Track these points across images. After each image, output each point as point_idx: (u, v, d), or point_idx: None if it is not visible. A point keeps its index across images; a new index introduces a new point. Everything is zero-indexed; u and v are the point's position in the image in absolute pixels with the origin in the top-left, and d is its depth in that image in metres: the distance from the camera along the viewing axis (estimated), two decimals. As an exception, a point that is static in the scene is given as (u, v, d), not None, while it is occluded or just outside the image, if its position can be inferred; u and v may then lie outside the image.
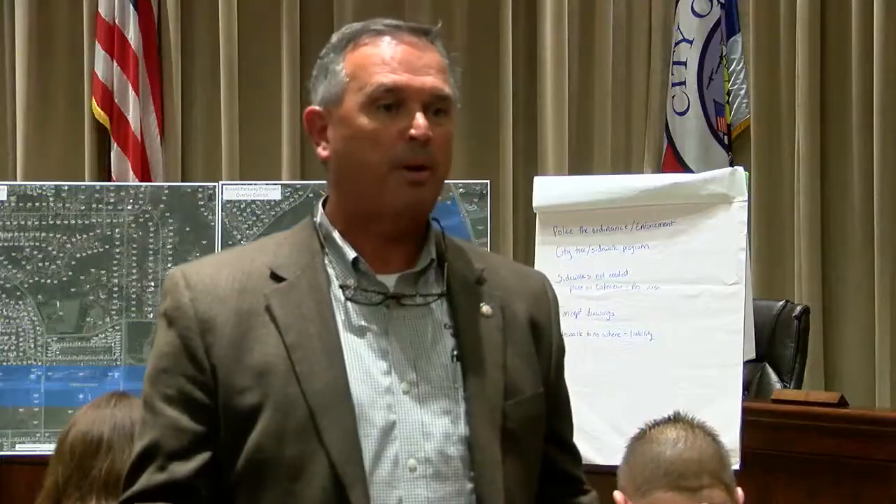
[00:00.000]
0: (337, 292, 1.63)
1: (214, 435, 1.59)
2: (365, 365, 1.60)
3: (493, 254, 1.85)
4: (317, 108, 1.69)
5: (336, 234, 1.66)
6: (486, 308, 1.67)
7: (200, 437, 1.59)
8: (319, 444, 1.55)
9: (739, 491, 1.98)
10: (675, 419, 2.04)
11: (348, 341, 1.61)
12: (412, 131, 1.60)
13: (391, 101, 1.61)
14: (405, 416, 1.59)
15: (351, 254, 1.64)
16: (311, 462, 1.55)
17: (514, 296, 1.71)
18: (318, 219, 1.69)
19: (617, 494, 2.00)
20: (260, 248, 1.71)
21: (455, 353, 1.63)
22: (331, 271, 1.65)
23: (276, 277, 1.64)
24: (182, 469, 1.58)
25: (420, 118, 1.60)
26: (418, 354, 1.62)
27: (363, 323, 1.62)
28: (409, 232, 1.67)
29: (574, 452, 1.80)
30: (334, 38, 1.71)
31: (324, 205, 1.71)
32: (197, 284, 1.64)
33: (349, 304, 1.63)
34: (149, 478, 1.59)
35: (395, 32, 1.66)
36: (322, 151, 1.68)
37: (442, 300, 1.66)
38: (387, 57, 1.63)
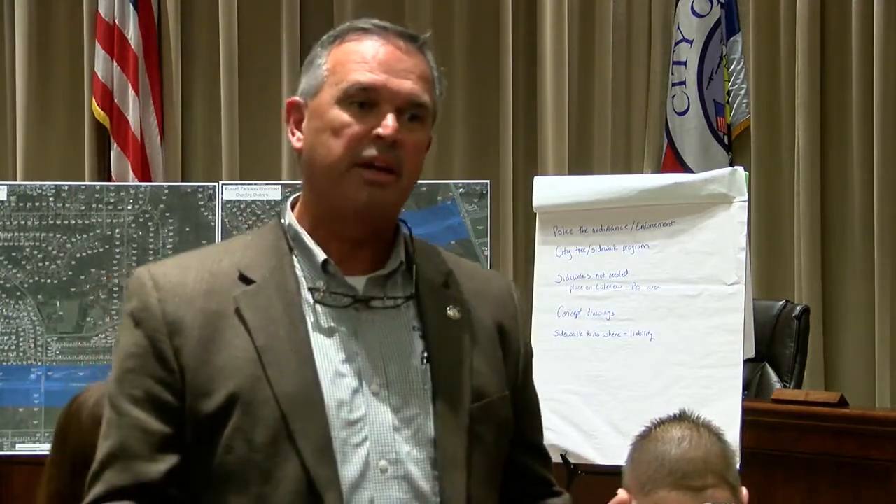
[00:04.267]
0: (306, 295, 1.63)
1: (181, 437, 1.58)
2: (335, 367, 1.60)
3: (460, 258, 1.84)
4: (297, 98, 1.70)
5: (305, 236, 1.66)
6: (452, 311, 1.67)
7: (167, 438, 1.57)
8: (291, 447, 1.54)
9: (744, 490, 1.98)
10: (681, 418, 2.04)
11: (318, 344, 1.61)
12: (379, 130, 1.60)
13: (364, 99, 1.62)
14: (375, 418, 1.59)
15: (320, 256, 1.64)
16: (282, 465, 1.55)
17: (479, 300, 1.72)
18: (285, 220, 1.69)
19: (621, 493, 2.00)
20: (226, 248, 1.71)
21: (425, 354, 1.63)
22: (299, 273, 1.64)
23: (244, 279, 1.63)
24: (148, 470, 1.56)
25: (390, 119, 1.60)
26: (388, 356, 1.62)
27: (332, 325, 1.62)
28: (375, 234, 1.66)
29: (543, 455, 1.81)
30: (326, 34, 1.71)
31: (292, 206, 1.71)
32: (164, 285, 1.62)
33: (318, 306, 1.63)
34: (113, 478, 1.57)
35: (382, 33, 1.66)
36: (296, 143, 1.69)
37: (410, 303, 1.66)
38: (368, 56, 1.63)
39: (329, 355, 1.60)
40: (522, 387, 1.75)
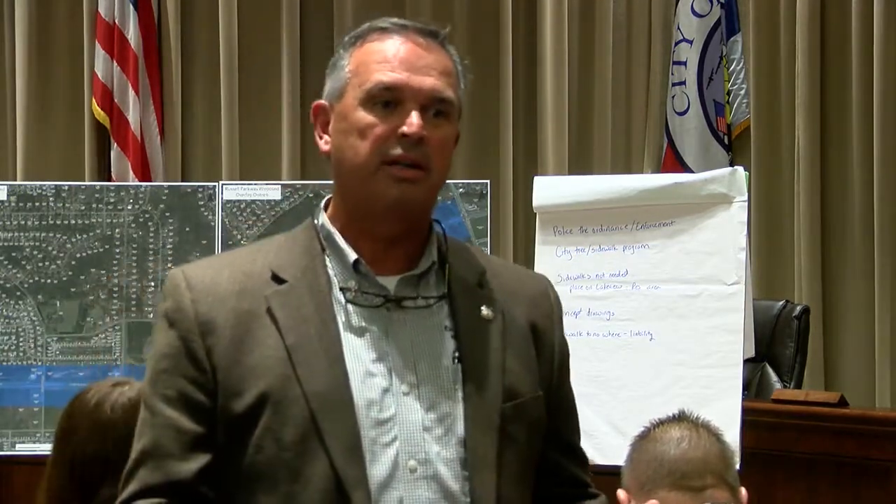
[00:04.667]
0: (338, 294, 1.63)
1: (213, 437, 1.59)
2: (365, 367, 1.60)
3: (495, 257, 1.85)
4: (322, 102, 1.70)
5: (337, 236, 1.66)
6: (485, 311, 1.67)
7: (200, 438, 1.58)
8: (320, 446, 1.55)
9: (743, 491, 1.98)
10: (680, 418, 2.04)
11: (348, 343, 1.61)
12: (404, 128, 1.60)
13: (388, 98, 1.62)
14: (405, 418, 1.59)
15: (352, 255, 1.64)
16: (311, 464, 1.55)
17: (514, 299, 1.71)
18: (318, 220, 1.69)
19: (620, 493, 2.00)
20: (260, 249, 1.71)
21: (456, 354, 1.63)
22: (331, 273, 1.65)
23: (276, 279, 1.64)
24: (180, 469, 1.57)
25: (415, 117, 1.60)
26: (418, 356, 1.62)
27: (364, 325, 1.62)
28: (407, 233, 1.66)
29: (580, 456, 1.79)
30: (347, 35, 1.72)
31: (325, 207, 1.71)
32: (197, 285, 1.63)
33: (350, 306, 1.63)
34: (146, 477, 1.59)
35: (402, 31, 1.66)
36: (324, 146, 1.69)
37: (443, 302, 1.66)
38: (389, 55, 1.64)
39: (359, 355, 1.61)
40: (557, 386, 1.74)
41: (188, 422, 1.58)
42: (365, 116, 1.62)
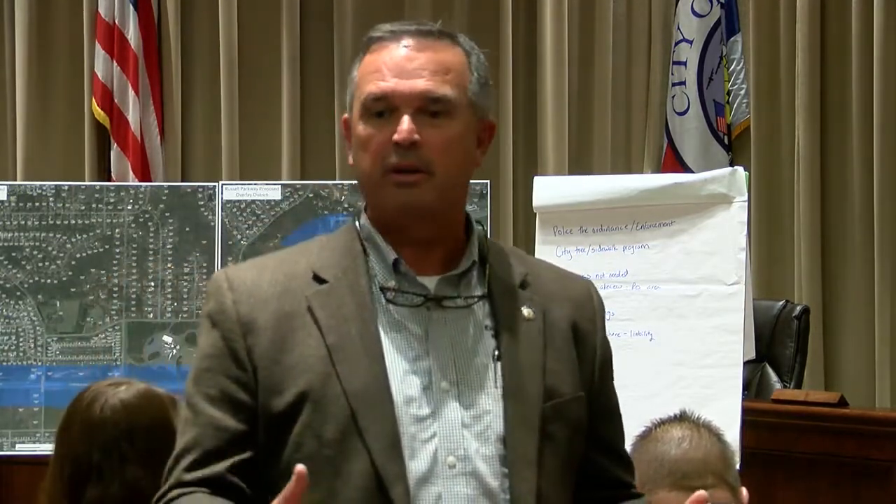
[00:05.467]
0: (378, 294, 1.65)
1: (255, 435, 1.61)
2: (404, 365, 1.62)
3: (539, 259, 1.86)
4: (346, 115, 1.73)
5: (378, 237, 1.68)
6: (526, 311, 1.68)
7: (240, 435, 1.61)
8: (360, 443, 1.57)
9: (744, 491, 1.98)
10: (681, 418, 2.04)
11: (389, 342, 1.63)
12: (395, 136, 1.61)
13: (381, 108, 1.63)
14: (445, 415, 1.60)
15: (392, 255, 1.66)
16: (351, 460, 1.57)
17: (556, 301, 1.72)
18: (360, 222, 1.71)
19: None
20: (303, 250, 1.73)
21: (496, 353, 1.64)
22: (372, 273, 1.67)
23: (318, 279, 1.66)
24: (216, 466, 1.60)
25: (404, 122, 1.61)
26: (458, 355, 1.63)
27: (404, 324, 1.64)
28: (440, 235, 1.68)
29: (622, 458, 1.78)
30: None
31: (366, 209, 1.73)
32: (239, 287, 1.66)
33: (390, 305, 1.65)
34: (183, 474, 1.61)
35: (395, 38, 1.67)
36: (350, 160, 1.72)
37: (483, 302, 1.67)
38: (381, 64, 1.65)
39: (399, 353, 1.62)
40: (599, 388, 1.74)
41: (230, 420, 1.61)
42: (365, 129, 1.64)
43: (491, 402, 1.62)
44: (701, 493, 1.59)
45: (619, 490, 1.76)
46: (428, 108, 1.63)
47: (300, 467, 1.46)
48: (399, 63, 1.64)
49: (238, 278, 1.68)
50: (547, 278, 1.75)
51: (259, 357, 1.62)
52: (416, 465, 1.58)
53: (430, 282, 1.66)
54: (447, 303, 1.65)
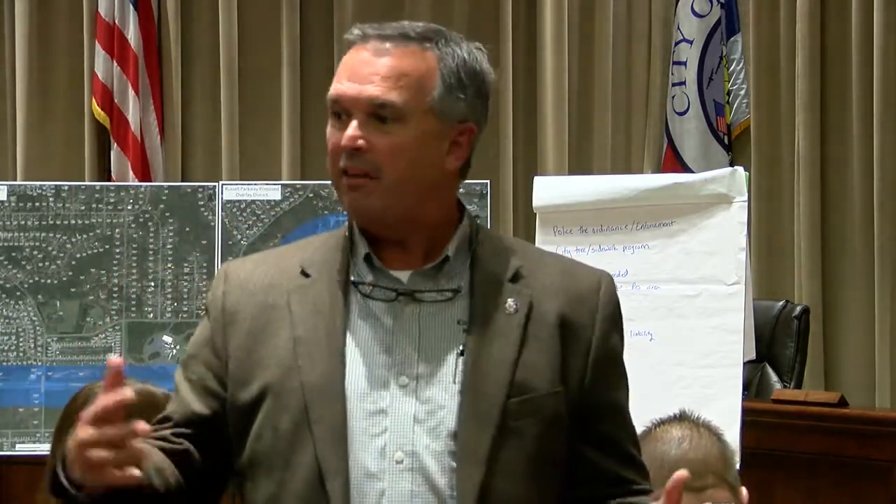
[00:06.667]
0: (354, 288, 1.67)
1: (218, 422, 1.67)
2: (367, 359, 1.63)
3: (550, 253, 1.84)
4: None
5: (356, 233, 1.70)
6: (510, 305, 1.67)
7: (203, 419, 1.68)
8: (309, 435, 1.59)
9: (744, 491, 1.98)
10: (681, 418, 2.04)
11: (355, 335, 1.65)
12: (342, 140, 1.64)
13: (337, 110, 1.66)
14: (398, 410, 1.61)
15: (363, 250, 1.68)
16: (299, 453, 1.60)
17: (549, 294, 1.69)
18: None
19: None
20: (303, 245, 1.78)
21: (461, 348, 1.64)
22: (352, 267, 1.69)
23: (304, 274, 1.70)
24: (167, 432, 1.68)
25: (350, 128, 1.63)
26: (423, 349, 1.64)
27: (374, 318, 1.66)
28: (407, 233, 1.68)
29: (625, 455, 1.72)
30: None
31: None
32: (233, 279, 1.73)
33: (366, 299, 1.67)
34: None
35: (363, 41, 1.68)
36: None
37: (461, 296, 1.67)
38: (343, 67, 1.68)
39: (363, 347, 1.64)
40: (593, 384, 1.69)
41: (197, 403, 1.68)
42: (329, 129, 1.68)
43: (447, 398, 1.62)
44: (682, 472, 1.57)
45: (618, 487, 1.71)
46: (376, 113, 1.64)
47: (113, 359, 1.49)
48: (355, 67, 1.66)
49: (235, 271, 1.74)
50: (548, 271, 1.72)
51: (234, 348, 1.67)
52: (363, 460, 1.59)
53: (405, 275, 1.67)
54: (422, 296, 1.66)
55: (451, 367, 1.63)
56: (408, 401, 1.62)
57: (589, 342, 1.70)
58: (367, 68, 1.65)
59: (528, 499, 1.64)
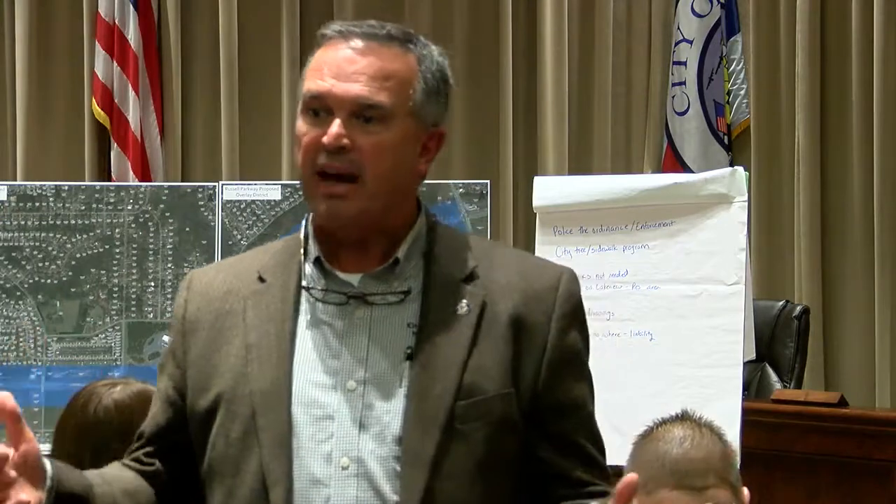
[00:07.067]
0: (306, 293, 1.66)
1: (178, 432, 1.68)
2: (315, 364, 1.62)
3: (510, 251, 1.82)
4: None
5: (310, 237, 1.69)
6: (462, 306, 1.65)
7: (166, 431, 1.70)
8: (255, 442, 1.59)
9: (746, 491, 1.97)
10: (683, 418, 2.03)
11: (305, 341, 1.63)
12: (324, 138, 1.61)
13: (316, 107, 1.63)
14: (345, 415, 1.60)
15: (314, 253, 1.67)
16: (247, 460, 1.59)
17: (503, 294, 1.67)
18: (305, 222, 1.72)
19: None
20: (263, 250, 1.76)
21: (408, 351, 1.62)
22: (304, 272, 1.67)
23: (261, 279, 1.68)
24: (139, 452, 1.71)
25: (334, 126, 1.60)
26: (372, 353, 1.62)
27: (324, 322, 1.64)
28: (370, 236, 1.66)
29: (581, 454, 1.71)
30: None
31: None
32: (196, 287, 1.72)
33: (318, 304, 1.65)
34: (127, 455, 1.74)
35: (343, 37, 1.66)
36: None
37: (413, 297, 1.65)
38: (322, 63, 1.64)
39: (311, 353, 1.63)
40: (549, 385, 1.67)
41: (161, 414, 1.71)
42: (301, 126, 1.65)
43: (393, 402, 1.60)
44: (632, 475, 1.55)
45: (574, 488, 1.69)
46: (362, 113, 1.62)
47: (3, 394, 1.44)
48: (340, 64, 1.63)
49: (199, 278, 1.74)
50: (505, 271, 1.69)
51: (193, 357, 1.67)
52: (308, 466, 1.58)
53: (356, 279, 1.65)
54: (374, 299, 1.64)
55: (399, 371, 1.62)
56: (354, 406, 1.60)
57: (544, 342, 1.67)
58: (351, 66, 1.63)
59: (476, 502, 1.62)
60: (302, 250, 1.68)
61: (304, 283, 1.66)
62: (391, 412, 1.60)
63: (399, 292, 1.65)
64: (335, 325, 1.64)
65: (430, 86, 1.67)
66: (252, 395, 1.60)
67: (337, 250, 1.67)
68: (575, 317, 1.71)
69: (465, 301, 1.65)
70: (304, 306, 1.65)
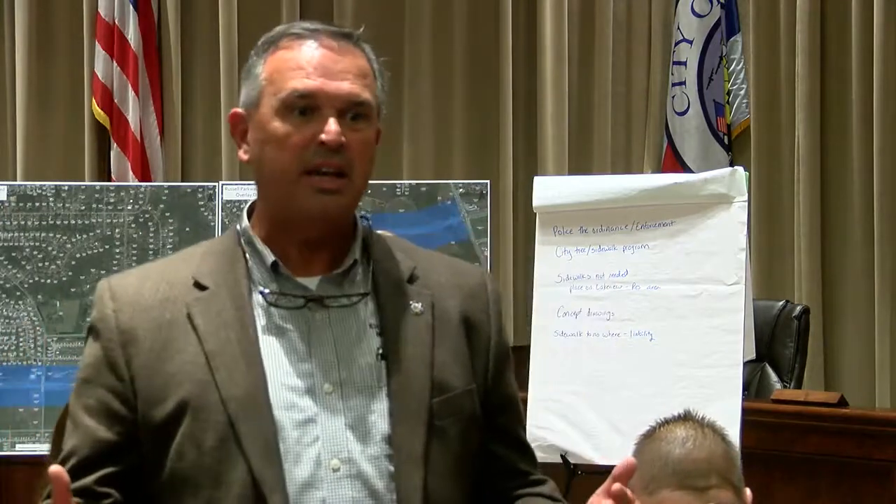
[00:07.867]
0: (258, 297, 1.64)
1: (131, 446, 1.61)
2: (286, 368, 1.61)
3: (430, 251, 1.84)
4: (239, 110, 1.73)
5: (257, 240, 1.67)
6: (415, 306, 1.67)
7: (113, 447, 1.61)
8: (239, 451, 1.56)
9: (748, 491, 1.97)
10: (685, 418, 2.04)
11: (269, 345, 1.62)
12: (322, 136, 1.60)
13: (304, 106, 1.62)
14: (328, 417, 1.59)
15: (269, 258, 1.65)
16: (230, 469, 1.56)
17: (446, 293, 1.71)
18: (241, 225, 1.70)
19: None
20: (186, 257, 1.72)
21: (380, 351, 1.63)
22: (253, 277, 1.66)
23: (198, 286, 1.65)
24: (88, 479, 1.60)
25: (332, 124, 1.60)
26: (342, 355, 1.62)
27: (285, 326, 1.63)
28: (331, 235, 1.67)
29: (523, 447, 1.78)
30: (261, 39, 1.72)
31: (249, 211, 1.72)
32: (121, 296, 1.66)
33: (272, 308, 1.64)
34: None
35: (315, 35, 1.66)
36: (243, 155, 1.72)
37: (368, 300, 1.66)
38: (303, 61, 1.64)
39: (280, 357, 1.61)
40: (496, 380, 1.73)
41: (105, 431, 1.61)
42: (281, 126, 1.62)
43: (375, 402, 1.61)
44: (618, 485, 1.57)
45: (520, 478, 1.75)
46: (350, 111, 1.63)
47: (55, 468, 1.43)
48: (323, 63, 1.63)
49: (121, 287, 1.67)
50: (437, 270, 1.73)
51: (138, 367, 1.61)
52: (299, 471, 1.57)
53: (312, 282, 1.65)
54: (330, 302, 1.64)
55: (374, 371, 1.62)
56: (336, 407, 1.60)
57: (488, 337, 1.72)
58: (336, 65, 1.63)
59: (460, 498, 1.66)
60: (246, 255, 1.67)
61: (259, 287, 1.64)
62: (375, 412, 1.61)
63: (358, 294, 1.65)
64: (295, 329, 1.63)
65: (381, 83, 1.69)
66: (226, 402, 1.57)
67: (285, 254, 1.66)
68: (500, 312, 1.78)
69: (414, 302, 1.67)
70: (257, 311, 1.63)
